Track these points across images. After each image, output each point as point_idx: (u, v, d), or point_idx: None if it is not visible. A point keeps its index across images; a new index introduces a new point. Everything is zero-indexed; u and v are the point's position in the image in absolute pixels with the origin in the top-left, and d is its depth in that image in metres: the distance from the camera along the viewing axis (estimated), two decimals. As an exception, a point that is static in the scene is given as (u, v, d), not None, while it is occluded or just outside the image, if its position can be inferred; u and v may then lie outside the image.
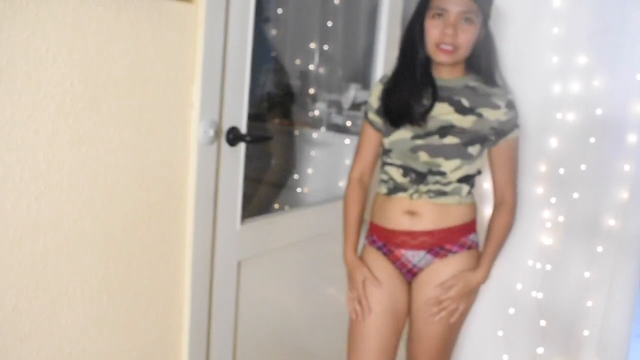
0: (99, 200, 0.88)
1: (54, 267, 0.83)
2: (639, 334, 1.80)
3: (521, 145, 1.20)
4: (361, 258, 1.21)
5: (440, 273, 1.14)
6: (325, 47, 1.93)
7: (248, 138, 1.12)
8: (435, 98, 1.11)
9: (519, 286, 1.62)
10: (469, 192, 1.17)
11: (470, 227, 1.18)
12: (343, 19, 1.90)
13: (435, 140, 1.11)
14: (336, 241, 1.29)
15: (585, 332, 1.55)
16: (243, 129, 1.13)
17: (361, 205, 1.22)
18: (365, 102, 1.25)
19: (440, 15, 1.06)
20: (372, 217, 1.22)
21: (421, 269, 1.17)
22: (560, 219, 1.55)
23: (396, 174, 1.15)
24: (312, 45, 1.92)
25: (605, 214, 1.51)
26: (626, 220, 1.46)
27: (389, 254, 1.18)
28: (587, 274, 1.54)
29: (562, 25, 1.49)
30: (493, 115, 1.11)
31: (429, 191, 1.13)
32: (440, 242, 1.14)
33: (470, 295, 1.16)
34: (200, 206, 1.04)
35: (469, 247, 1.17)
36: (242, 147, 1.14)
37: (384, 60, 1.60)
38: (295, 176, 1.85)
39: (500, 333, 1.66)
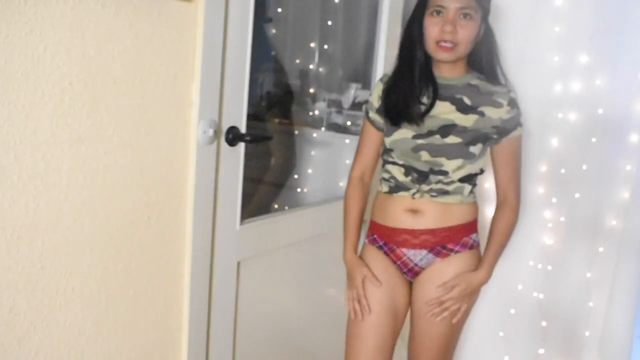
0: (97, 199, 0.87)
1: (53, 267, 0.83)
2: (640, 334, 1.79)
3: (522, 144, 1.19)
4: (361, 256, 1.21)
5: (443, 273, 1.14)
6: (326, 47, 1.92)
7: (248, 138, 1.12)
8: (436, 97, 1.10)
9: (520, 286, 1.61)
10: (471, 192, 1.16)
11: (472, 226, 1.17)
12: (343, 18, 1.90)
13: (437, 139, 1.10)
14: (336, 241, 1.28)
15: (587, 333, 1.54)
16: (243, 129, 1.12)
17: (361, 205, 1.21)
18: (365, 102, 1.24)
19: (438, 12, 1.06)
20: (373, 215, 1.22)
21: (422, 269, 1.16)
22: (562, 219, 1.55)
23: (398, 173, 1.15)
24: (312, 45, 1.92)
25: (606, 214, 1.50)
26: (628, 220, 1.45)
27: (389, 253, 1.18)
28: (588, 274, 1.53)
29: (563, 24, 1.49)
30: (495, 114, 1.10)
31: (430, 190, 1.13)
32: (442, 242, 1.14)
33: (472, 295, 1.15)
34: (200, 206, 1.04)
35: (471, 247, 1.16)
36: (241, 146, 1.13)
37: (385, 59, 1.60)
38: (295, 176, 1.85)
39: (501, 333, 1.65)
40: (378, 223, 1.19)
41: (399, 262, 1.18)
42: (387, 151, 1.17)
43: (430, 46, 1.08)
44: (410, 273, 1.18)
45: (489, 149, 1.16)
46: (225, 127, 1.08)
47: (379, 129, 1.19)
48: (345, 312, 1.21)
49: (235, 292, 1.18)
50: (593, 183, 1.50)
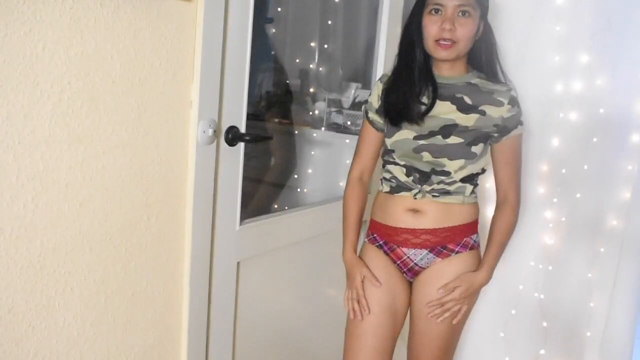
0: (97, 199, 0.87)
1: (51, 267, 0.82)
2: (641, 335, 1.79)
3: (523, 144, 1.19)
4: (360, 255, 1.20)
5: (443, 273, 1.13)
6: (326, 46, 1.92)
7: (247, 137, 1.11)
8: (436, 96, 1.10)
9: (520, 287, 1.61)
10: (473, 192, 1.16)
11: (473, 227, 1.17)
12: (343, 18, 1.90)
13: (438, 140, 1.10)
14: (336, 241, 1.28)
15: (588, 333, 1.54)
16: (242, 129, 1.12)
17: (361, 204, 1.21)
18: (365, 102, 1.24)
19: (437, 11, 1.06)
20: (373, 214, 1.22)
21: (422, 268, 1.16)
22: (563, 219, 1.54)
23: (399, 173, 1.15)
24: (313, 44, 1.91)
25: (607, 214, 1.50)
26: (629, 220, 1.45)
27: (389, 253, 1.18)
28: (589, 275, 1.53)
29: (564, 23, 1.48)
30: (496, 112, 1.10)
31: (432, 190, 1.12)
32: (442, 242, 1.13)
33: (472, 296, 1.15)
34: (199, 206, 1.03)
35: (472, 248, 1.16)
36: (241, 146, 1.13)
37: (385, 59, 1.59)
38: (295, 176, 1.85)
39: (501, 334, 1.65)
40: (378, 222, 1.19)
41: (398, 262, 1.17)
42: (388, 152, 1.16)
43: (430, 45, 1.08)
44: (410, 273, 1.18)
45: (489, 148, 1.16)
46: (224, 126, 1.07)
47: (378, 129, 1.19)
48: (344, 312, 1.21)
49: (234, 292, 1.18)
50: (594, 183, 1.50)
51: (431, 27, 1.06)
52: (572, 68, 1.49)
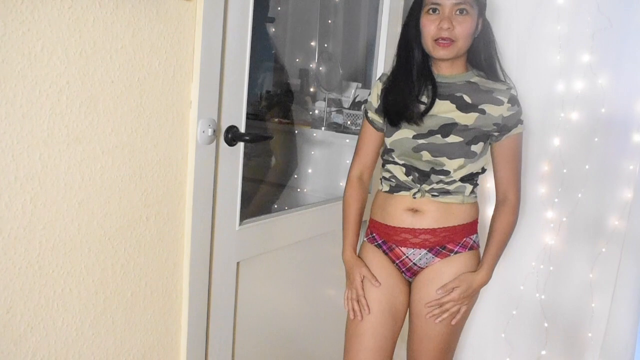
0: (95, 200, 0.87)
1: (50, 268, 0.82)
2: (643, 335, 1.78)
3: (524, 144, 1.18)
4: (359, 254, 1.20)
5: (442, 273, 1.13)
6: (326, 46, 1.92)
7: (247, 137, 1.11)
8: (435, 96, 1.09)
9: (521, 287, 1.60)
10: (472, 191, 1.15)
11: (472, 227, 1.16)
12: (344, 17, 1.89)
13: (437, 139, 1.09)
14: (335, 241, 1.27)
15: (589, 334, 1.53)
16: (242, 128, 1.12)
17: (361, 204, 1.21)
18: (365, 101, 1.23)
19: (434, 10, 1.06)
20: (373, 214, 1.21)
21: (421, 268, 1.16)
22: (564, 219, 1.54)
23: (399, 173, 1.14)
24: (313, 44, 1.91)
25: (609, 214, 1.49)
26: (630, 220, 1.44)
27: (388, 252, 1.17)
28: (591, 275, 1.52)
29: (565, 23, 1.48)
30: (496, 111, 1.10)
31: (432, 190, 1.12)
32: (442, 242, 1.13)
33: (472, 296, 1.14)
34: (199, 206, 1.03)
35: (471, 248, 1.15)
36: (240, 146, 1.12)
37: (385, 58, 1.59)
38: (295, 176, 1.84)
39: (502, 335, 1.64)
40: (377, 221, 1.19)
41: (397, 262, 1.17)
42: (387, 151, 1.16)
43: (428, 44, 1.08)
44: (409, 272, 1.17)
45: (490, 148, 1.16)
46: (224, 126, 1.07)
47: (378, 129, 1.18)
48: (344, 312, 1.20)
49: (234, 293, 1.18)
50: (595, 183, 1.49)
51: (429, 27, 1.06)
52: (574, 67, 1.48)
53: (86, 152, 0.84)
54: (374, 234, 1.20)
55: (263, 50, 1.88)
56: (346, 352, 1.17)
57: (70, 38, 0.79)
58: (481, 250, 1.19)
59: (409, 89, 1.10)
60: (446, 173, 1.11)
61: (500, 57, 1.14)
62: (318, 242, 1.44)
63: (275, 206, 1.74)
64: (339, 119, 1.84)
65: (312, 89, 1.93)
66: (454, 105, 1.10)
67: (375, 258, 1.18)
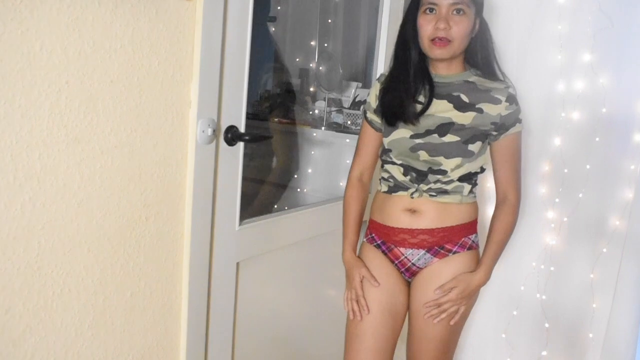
0: (95, 200, 0.86)
1: (49, 268, 0.82)
2: (644, 335, 1.77)
3: (525, 144, 1.18)
4: (359, 255, 1.20)
5: (441, 273, 1.12)
6: (326, 45, 1.91)
7: (247, 137, 1.11)
8: (432, 95, 1.09)
9: (522, 287, 1.60)
10: (471, 191, 1.15)
11: (471, 227, 1.16)
12: (344, 17, 1.89)
13: (434, 139, 1.09)
14: (335, 242, 1.27)
15: (590, 335, 1.53)
16: (242, 128, 1.11)
17: (361, 205, 1.21)
18: (364, 101, 1.23)
19: (431, 10, 1.06)
20: (372, 214, 1.21)
21: (420, 268, 1.15)
22: (565, 219, 1.53)
23: (397, 173, 1.14)
24: (313, 43, 1.91)
25: (610, 214, 1.49)
26: (632, 221, 1.44)
27: (387, 252, 1.17)
28: (591, 275, 1.52)
29: (566, 22, 1.48)
30: (494, 110, 1.09)
31: (429, 190, 1.12)
32: (440, 242, 1.13)
33: (470, 297, 1.14)
34: (198, 206, 1.03)
35: (470, 248, 1.15)
36: (240, 146, 1.12)
37: (385, 58, 1.59)
38: (295, 176, 1.84)
39: (503, 335, 1.64)
40: (376, 222, 1.18)
41: (396, 262, 1.17)
42: (385, 151, 1.16)
43: (425, 44, 1.07)
44: (408, 273, 1.17)
45: (489, 147, 1.15)
46: (224, 126, 1.07)
47: (377, 129, 1.18)
48: (344, 312, 1.20)
49: (234, 293, 1.17)
50: (596, 183, 1.49)
51: (426, 26, 1.06)
52: (574, 67, 1.48)
53: (85, 152, 0.84)
54: (373, 235, 1.20)
55: (263, 50, 1.88)
56: (346, 353, 1.17)
57: (69, 37, 0.78)
58: (481, 250, 1.18)
59: (405, 89, 1.10)
60: (443, 172, 1.10)
61: (499, 57, 1.14)
62: (318, 242, 1.44)
63: (275, 206, 1.74)
64: (339, 118, 1.84)
65: (312, 89, 1.93)
66: (452, 105, 1.09)
67: (375, 258, 1.17)
